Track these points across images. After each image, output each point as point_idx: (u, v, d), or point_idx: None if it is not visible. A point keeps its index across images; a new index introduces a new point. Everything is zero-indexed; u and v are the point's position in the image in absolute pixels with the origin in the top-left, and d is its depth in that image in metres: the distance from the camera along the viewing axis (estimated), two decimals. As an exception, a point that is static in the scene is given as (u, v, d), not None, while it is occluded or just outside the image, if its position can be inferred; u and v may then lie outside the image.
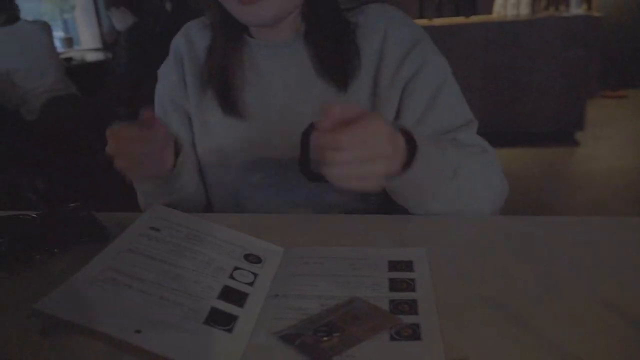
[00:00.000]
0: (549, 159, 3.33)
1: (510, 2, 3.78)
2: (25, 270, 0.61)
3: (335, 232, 0.67)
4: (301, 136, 0.77)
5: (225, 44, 0.79)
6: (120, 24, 3.23)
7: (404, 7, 0.82)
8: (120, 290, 0.48)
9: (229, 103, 0.80)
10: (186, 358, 0.42)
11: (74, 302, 0.46)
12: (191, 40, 0.85)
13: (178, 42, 0.86)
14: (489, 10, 4.12)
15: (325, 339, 0.44)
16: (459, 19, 3.82)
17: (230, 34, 0.79)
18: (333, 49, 0.76)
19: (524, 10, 3.79)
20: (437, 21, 3.85)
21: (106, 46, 4.64)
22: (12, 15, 2.79)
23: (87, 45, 4.97)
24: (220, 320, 0.47)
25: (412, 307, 0.48)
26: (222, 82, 0.80)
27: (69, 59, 3.91)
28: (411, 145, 0.60)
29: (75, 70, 3.43)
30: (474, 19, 3.82)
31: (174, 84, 0.85)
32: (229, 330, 0.46)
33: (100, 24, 4.94)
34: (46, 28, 2.95)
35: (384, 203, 0.77)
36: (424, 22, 3.81)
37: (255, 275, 0.56)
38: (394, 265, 0.56)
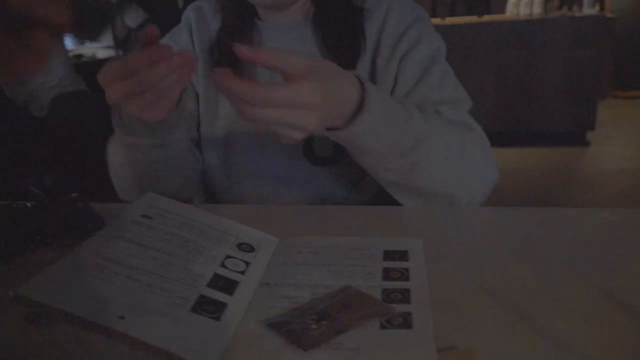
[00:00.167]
0: (560, 158, 3.30)
1: (523, 2, 3.76)
2: (19, 260, 0.61)
3: (333, 223, 0.66)
4: None
5: (236, 27, 0.79)
6: (132, 21, 3.24)
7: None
8: (106, 277, 0.47)
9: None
10: (170, 344, 0.40)
11: (56, 288, 0.45)
12: (204, 16, 0.84)
13: (189, 15, 0.85)
14: (501, 10, 4.10)
15: (313, 326, 0.42)
16: (472, 19, 3.80)
17: (241, 17, 0.79)
18: (340, 33, 0.77)
19: (537, 10, 3.76)
20: (450, 20, 3.84)
21: (117, 43, 4.66)
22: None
23: (98, 42, 5.00)
24: (209, 307, 0.46)
25: (405, 296, 0.47)
26: (232, 64, 0.79)
27: (80, 56, 3.92)
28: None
29: (85, 67, 3.44)
30: (486, 18, 3.80)
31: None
32: (217, 318, 0.45)
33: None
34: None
35: (378, 195, 0.76)
36: (436, 21, 3.79)
37: (248, 264, 0.54)
38: (389, 255, 0.54)
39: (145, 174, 0.74)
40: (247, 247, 0.57)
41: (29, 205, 0.71)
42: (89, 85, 3.07)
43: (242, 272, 0.53)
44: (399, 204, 0.69)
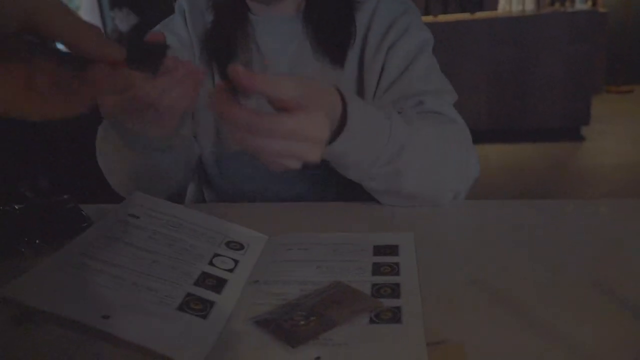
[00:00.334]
0: (555, 154, 3.30)
1: (516, -2, 3.76)
2: (6, 262, 0.60)
3: (323, 219, 0.66)
4: None
5: (229, 22, 0.78)
6: (123, 24, 3.23)
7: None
8: (91, 276, 0.46)
9: None
10: (154, 343, 0.40)
11: (41, 289, 0.44)
12: (197, 7, 0.82)
13: (182, 3, 0.83)
14: (494, 7, 4.10)
15: (302, 323, 0.42)
16: (465, 15, 3.79)
17: (233, 11, 0.78)
18: (332, 26, 0.77)
19: (529, 6, 3.76)
20: (443, 17, 3.83)
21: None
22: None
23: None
24: (196, 306, 0.46)
25: (394, 290, 0.46)
26: (226, 58, 0.79)
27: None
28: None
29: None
30: (479, 15, 3.79)
31: (184, 41, 0.81)
32: (204, 317, 0.44)
33: (104, 24, 4.94)
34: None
35: (345, 191, 0.74)
36: (429, 18, 3.79)
37: (236, 262, 0.54)
38: (379, 250, 0.54)
39: (144, 174, 0.70)
40: (236, 245, 0.57)
41: (16, 207, 0.70)
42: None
43: (231, 270, 0.52)
44: (369, 198, 0.68)
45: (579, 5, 3.61)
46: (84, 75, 0.38)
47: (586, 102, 3.42)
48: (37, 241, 0.64)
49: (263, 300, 0.47)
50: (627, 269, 0.48)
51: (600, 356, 0.37)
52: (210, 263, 0.52)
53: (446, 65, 0.79)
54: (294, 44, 0.78)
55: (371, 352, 0.39)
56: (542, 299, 0.44)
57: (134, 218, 0.56)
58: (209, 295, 0.47)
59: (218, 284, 0.49)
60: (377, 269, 0.50)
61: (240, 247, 0.57)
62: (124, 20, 3.25)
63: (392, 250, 0.54)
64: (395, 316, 0.42)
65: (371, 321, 0.42)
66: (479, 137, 3.35)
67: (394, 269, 0.50)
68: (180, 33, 0.82)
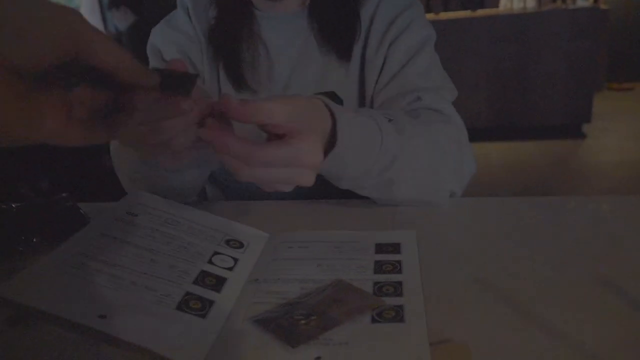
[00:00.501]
0: (556, 151, 3.29)
1: (517, -5, 3.75)
2: (4, 262, 0.59)
3: (325, 217, 0.65)
4: None
5: (234, 19, 0.78)
6: (122, 23, 3.22)
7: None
8: (89, 275, 0.46)
9: (239, 77, 0.78)
10: (152, 343, 0.39)
11: (38, 288, 0.43)
12: (200, 3, 0.81)
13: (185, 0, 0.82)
14: (495, 4, 4.09)
15: (302, 322, 0.41)
16: (466, 13, 3.78)
17: (237, 7, 0.78)
18: (337, 22, 0.76)
19: (531, 4, 3.75)
20: (444, 15, 3.82)
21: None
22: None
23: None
24: (195, 305, 0.45)
25: (397, 289, 0.45)
26: (233, 57, 0.78)
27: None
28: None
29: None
30: (480, 12, 3.78)
31: (190, 39, 0.80)
32: (203, 316, 0.44)
33: (105, 24, 4.94)
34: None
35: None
36: (430, 16, 3.78)
37: (236, 260, 0.53)
38: (381, 248, 0.53)
39: (159, 190, 0.64)
40: (235, 244, 0.56)
41: (13, 205, 0.70)
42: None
43: (230, 269, 0.51)
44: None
45: (581, 2, 3.60)
46: (120, 101, 0.40)
47: (587, 99, 3.41)
48: (34, 240, 0.63)
49: (263, 299, 0.46)
50: (629, 266, 0.47)
51: (604, 354, 0.36)
52: (210, 261, 0.52)
53: (447, 63, 0.79)
54: (299, 40, 0.78)
55: (373, 351, 0.38)
56: (545, 297, 0.43)
57: (133, 216, 0.56)
58: (209, 294, 0.47)
59: (217, 283, 0.49)
60: (379, 267, 0.49)
61: (240, 245, 0.56)
62: (122, 19, 3.24)
63: (394, 248, 0.53)
64: (397, 315, 0.41)
65: (373, 320, 0.41)
66: (479, 134, 3.34)
67: (396, 267, 0.49)
68: (185, 30, 0.81)
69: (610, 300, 0.42)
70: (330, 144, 0.52)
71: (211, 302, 0.46)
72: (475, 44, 3.49)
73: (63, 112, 0.38)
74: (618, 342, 0.37)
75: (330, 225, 0.61)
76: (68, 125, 0.38)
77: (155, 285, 0.46)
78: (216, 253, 0.53)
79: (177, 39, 0.80)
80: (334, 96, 0.78)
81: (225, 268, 0.51)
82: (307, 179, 0.47)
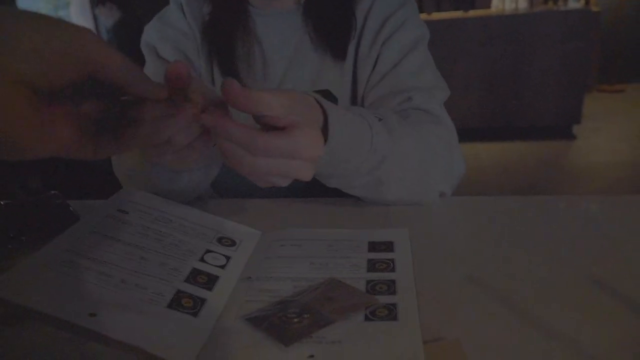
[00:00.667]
0: (547, 152, 3.31)
1: (509, -3, 3.77)
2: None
3: (318, 215, 0.65)
4: None
5: (228, 15, 0.77)
6: (108, 20, 3.20)
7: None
8: (78, 273, 0.45)
9: (233, 74, 0.77)
10: (143, 342, 0.39)
11: (27, 286, 0.42)
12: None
13: None
14: (487, 5, 4.10)
15: (295, 320, 0.41)
16: (458, 14, 3.79)
17: (233, 5, 0.77)
18: (332, 19, 0.76)
19: (522, 5, 3.77)
20: (436, 15, 3.83)
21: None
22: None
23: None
24: (186, 303, 0.44)
25: (390, 287, 0.45)
26: (227, 54, 0.78)
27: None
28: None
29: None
30: (472, 13, 3.79)
31: (186, 35, 0.79)
32: (194, 314, 0.43)
33: (95, 20, 4.90)
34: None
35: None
36: (423, 16, 3.78)
37: (228, 258, 0.53)
38: (374, 246, 0.53)
39: (160, 188, 0.63)
40: (227, 242, 0.55)
41: (2, 203, 0.69)
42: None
43: (222, 267, 0.51)
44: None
45: (572, 4, 3.62)
46: (128, 115, 0.41)
47: (578, 100, 3.43)
48: (23, 238, 0.62)
49: (255, 297, 0.46)
50: (623, 265, 0.48)
51: (599, 352, 0.36)
52: (202, 259, 0.51)
53: (439, 63, 0.79)
54: (294, 38, 0.78)
55: (366, 350, 0.38)
56: (539, 295, 0.43)
57: (123, 213, 0.55)
58: (200, 292, 0.46)
59: (209, 281, 0.48)
60: (372, 266, 0.49)
61: (232, 243, 0.55)
62: (108, 16, 3.22)
63: (388, 246, 0.53)
64: (391, 313, 0.41)
65: (366, 318, 0.41)
66: (471, 135, 3.35)
67: (390, 266, 0.49)
68: (180, 26, 0.80)
69: (604, 299, 0.43)
70: None
71: (203, 300, 0.45)
72: (467, 44, 3.50)
73: (75, 126, 0.39)
74: (612, 340, 0.37)
75: (323, 223, 0.61)
76: (79, 139, 0.40)
77: (145, 284, 0.46)
78: (208, 251, 0.53)
79: (172, 36, 0.79)
80: (328, 94, 0.78)
81: (217, 266, 0.51)
82: (306, 173, 0.47)
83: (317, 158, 0.46)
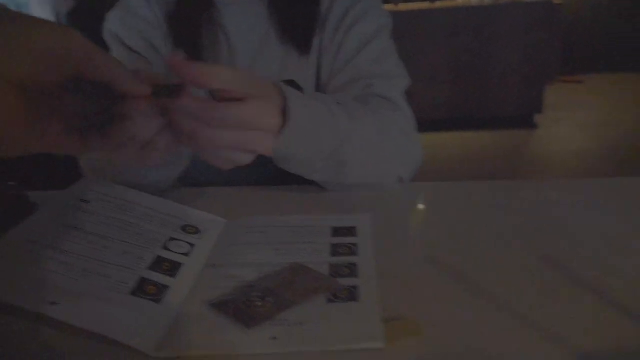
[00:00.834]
0: (510, 141, 3.40)
1: (475, -12, 3.81)
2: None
3: (283, 203, 0.65)
4: None
5: (193, 3, 0.76)
6: (62, 8, 3.10)
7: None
8: (38, 262, 0.44)
9: None
10: (106, 329, 0.39)
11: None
12: None
13: None
14: (453, -4, 4.14)
15: (258, 303, 0.41)
16: (424, 5, 3.83)
17: None
18: (297, 14, 0.76)
19: (488, -4, 3.83)
20: (404, 6, 3.85)
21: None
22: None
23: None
24: (150, 290, 0.44)
25: (352, 270, 0.46)
26: (193, 43, 0.77)
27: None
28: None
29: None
30: (438, 4, 3.83)
31: (151, 24, 0.77)
32: (157, 301, 0.43)
33: (55, 8, 4.74)
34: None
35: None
36: (390, 7, 3.80)
37: (192, 245, 0.53)
38: (337, 232, 0.54)
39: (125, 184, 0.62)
40: (192, 230, 0.55)
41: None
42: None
43: (186, 254, 0.51)
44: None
45: (535, -4, 3.70)
46: (113, 112, 0.42)
47: (540, 91, 3.53)
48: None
49: (220, 283, 0.46)
50: (572, 245, 0.50)
51: (549, 326, 0.38)
52: (165, 247, 0.51)
53: (406, 54, 0.80)
54: (261, 28, 0.77)
55: (327, 330, 0.39)
56: (493, 274, 0.45)
57: (85, 203, 0.54)
58: (163, 279, 0.46)
59: (173, 268, 0.48)
60: (335, 250, 0.50)
61: (196, 231, 0.55)
62: (61, 4, 3.12)
63: (350, 231, 0.54)
64: (352, 295, 0.42)
65: (329, 300, 0.42)
66: (437, 125, 3.39)
67: (352, 250, 0.50)
68: (144, 14, 0.78)
69: (554, 276, 0.45)
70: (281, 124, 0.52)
71: (166, 287, 0.45)
72: (433, 35, 3.54)
73: (62, 123, 0.40)
74: (560, 314, 0.39)
75: (287, 211, 0.62)
76: (66, 136, 0.41)
77: (108, 272, 0.45)
78: (172, 239, 0.53)
79: (137, 25, 0.78)
80: (294, 85, 0.78)
81: (181, 253, 0.51)
82: (266, 144, 0.47)
83: (274, 130, 0.47)
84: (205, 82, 0.43)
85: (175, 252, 0.51)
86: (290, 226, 0.56)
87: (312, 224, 0.56)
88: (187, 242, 0.53)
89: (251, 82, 0.46)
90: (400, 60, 0.78)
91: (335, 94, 0.75)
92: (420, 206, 0.62)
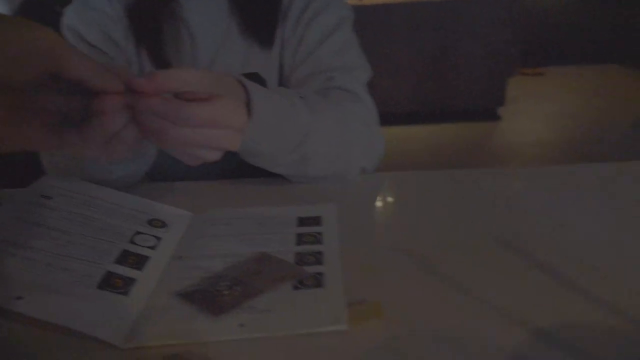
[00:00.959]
0: (474, 133, 3.48)
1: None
2: None
3: (249, 195, 0.66)
4: None
5: None
6: (11, 2, 3.00)
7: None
8: (2, 259, 0.44)
9: (161, 58, 0.76)
10: (72, 322, 0.39)
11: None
12: None
13: None
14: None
15: (225, 292, 0.42)
16: (390, -1, 3.86)
17: None
18: (258, 8, 0.76)
19: (451, -10, 3.87)
20: (368, 1, 3.88)
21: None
22: None
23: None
24: (116, 284, 0.45)
25: (317, 258, 0.47)
26: (154, 37, 0.76)
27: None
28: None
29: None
30: (403, -2, 3.86)
31: (111, 18, 0.76)
32: (124, 294, 0.44)
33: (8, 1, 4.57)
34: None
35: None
36: (354, 1, 3.82)
37: (159, 239, 0.53)
38: (302, 221, 0.55)
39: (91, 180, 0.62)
40: (158, 223, 0.55)
41: None
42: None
43: (153, 248, 0.51)
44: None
45: (497, -10, 3.77)
46: (89, 108, 0.42)
47: (502, 84, 3.62)
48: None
49: (187, 274, 0.47)
50: (527, 228, 0.53)
51: (504, 304, 0.40)
52: (131, 241, 0.51)
53: (370, 48, 0.81)
54: (222, 22, 0.77)
55: (294, 316, 0.40)
56: (452, 258, 0.47)
57: (47, 199, 0.54)
58: (130, 272, 0.46)
59: (139, 261, 0.48)
60: (300, 239, 0.51)
61: (163, 224, 0.56)
62: None
63: (315, 221, 0.55)
64: (317, 281, 0.44)
65: (295, 287, 0.43)
66: (403, 119, 3.42)
67: (317, 238, 0.51)
68: (102, 8, 0.76)
69: (510, 258, 0.47)
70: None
71: (132, 280, 0.46)
72: (397, 29, 3.58)
73: (39, 121, 0.41)
74: (516, 293, 0.42)
75: (253, 202, 0.63)
76: (43, 132, 0.42)
77: (73, 266, 0.45)
78: (138, 233, 0.53)
79: (96, 19, 0.76)
80: (257, 77, 0.79)
81: (147, 247, 0.51)
82: (232, 141, 0.48)
83: (241, 127, 0.48)
84: (168, 87, 0.44)
85: (142, 246, 0.51)
86: (256, 217, 0.57)
87: (278, 215, 0.57)
88: (154, 236, 0.53)
89: (214, 80, 0.47)
90: (361, 52, 0.79)
91: (297, 87, 0.75)
92: (384, 195, 0.64)
